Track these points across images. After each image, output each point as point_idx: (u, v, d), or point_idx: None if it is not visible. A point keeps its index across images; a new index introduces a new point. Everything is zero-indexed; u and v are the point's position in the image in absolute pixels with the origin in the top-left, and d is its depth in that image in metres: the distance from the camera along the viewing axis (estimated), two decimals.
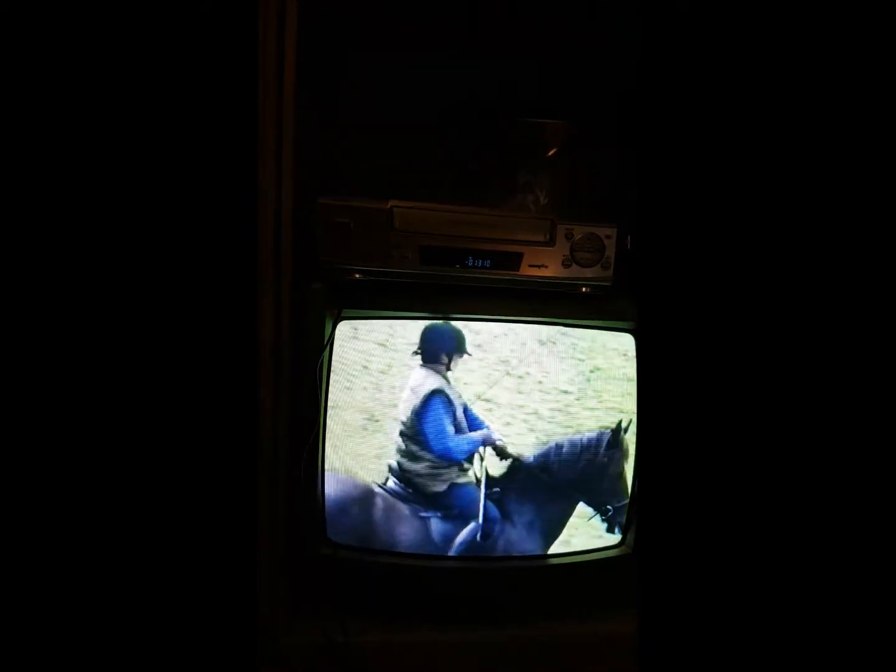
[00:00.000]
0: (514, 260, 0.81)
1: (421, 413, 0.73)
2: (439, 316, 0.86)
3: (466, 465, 0.72)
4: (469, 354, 0.74)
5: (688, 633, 0.58)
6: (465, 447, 0.72)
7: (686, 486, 0.59)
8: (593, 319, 0.87)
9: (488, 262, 0.81)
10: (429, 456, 0.71)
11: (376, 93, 0.95)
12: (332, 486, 0.74)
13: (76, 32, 0.58)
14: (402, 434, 0.71)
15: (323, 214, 0.77)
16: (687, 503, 0.59)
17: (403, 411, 0.72)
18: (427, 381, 0.71)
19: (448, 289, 0.83)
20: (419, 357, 0.75)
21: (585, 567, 0.86)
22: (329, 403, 0.80)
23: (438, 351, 0.76)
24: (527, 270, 0.81)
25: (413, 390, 0.72)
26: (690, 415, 0.59)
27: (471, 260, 0.81)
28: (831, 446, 0.54)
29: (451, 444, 0.72)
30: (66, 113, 0.59)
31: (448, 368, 0.75)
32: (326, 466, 0.77)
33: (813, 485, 0.54)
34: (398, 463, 0.72)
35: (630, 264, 0.83)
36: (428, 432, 0.72)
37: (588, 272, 0.82)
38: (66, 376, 0.61)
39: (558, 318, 0.86)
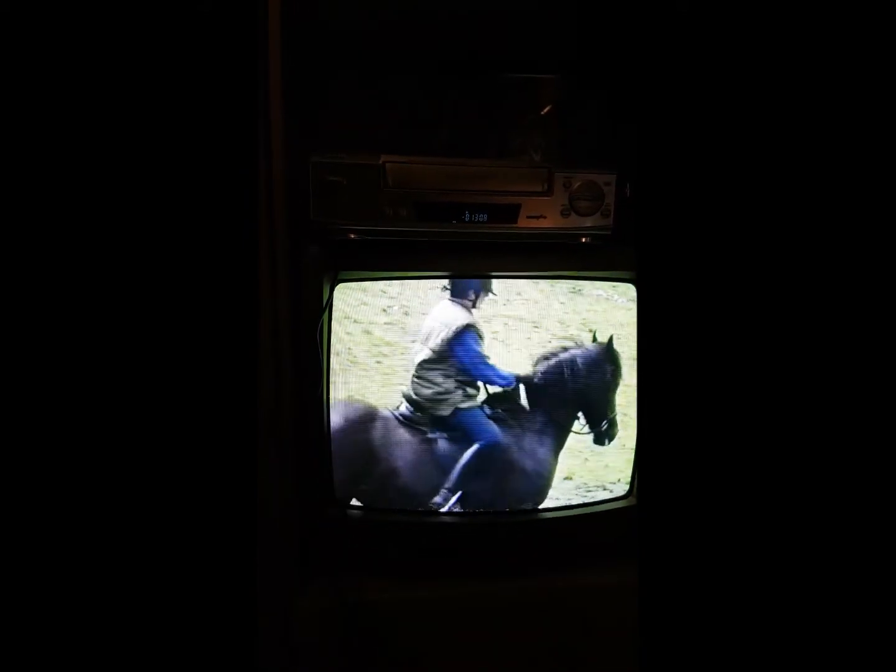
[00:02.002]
0: (512, 212, 0.79)
1: (454, 343, 0.76)
2: (438, 275, 0.85)
3: (472, 391, 0.76)
4: (494, 294, 0.77)
5: (688, 583, 0.58)
6: (505, 373, 0.77)
7: (687, 436, 0.58)
8: (595, 270, 0.86)
9: (485, 215, 0.79)
10: (445, 383, 0.75)
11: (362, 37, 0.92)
12: (338, 431, 0.78)
13: None
14: (425, 361, 0.74)
15: (315, 173, 0.75)
16: (688, 454, 0.58)
17: (431, 339, 0.74)
18: (459, 315, 0.74)
19: (446, 245, 0.81)
20: (448, 292, 0.77)
21: (596, 518, 0.86)
22: (331, 364, 0.80)
23: (467, 287, 0.77)
24: (525, 222, 0.79)
25: (445, 323, 0.74)
26: (693, 368, 0.58)
27: (467, 214, 0.79)
28: (837, 409, 0.52)
29: (492, 369, 0.76)
30: (69, 76, 0.58)
31: (474, 305, 0.77)
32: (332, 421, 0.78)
33: (821, 437, 0.53)
34: (413, 390, 0.76)
35: (631, 212, 0.82)
36: (465, 360, 0.76)
37: (588, 221, 0.80)
38: (62, 355, 0.61)
39: (559, 269, 0.85)
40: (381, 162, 0.76)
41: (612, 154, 0.88)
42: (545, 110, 1.03)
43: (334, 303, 0.80)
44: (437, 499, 0.77)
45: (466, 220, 0.79)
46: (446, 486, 0.77)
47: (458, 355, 0.76)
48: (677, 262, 0.59)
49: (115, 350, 0.62)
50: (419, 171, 0.77)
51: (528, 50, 0.98)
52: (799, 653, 0.53)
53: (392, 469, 0.76)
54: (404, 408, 0.77)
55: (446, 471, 0.76)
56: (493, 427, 0.76)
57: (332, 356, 0.80)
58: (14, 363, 0.59)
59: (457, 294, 0.77)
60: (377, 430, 0.76)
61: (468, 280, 0.76)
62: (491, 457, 0.76)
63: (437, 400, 0.77)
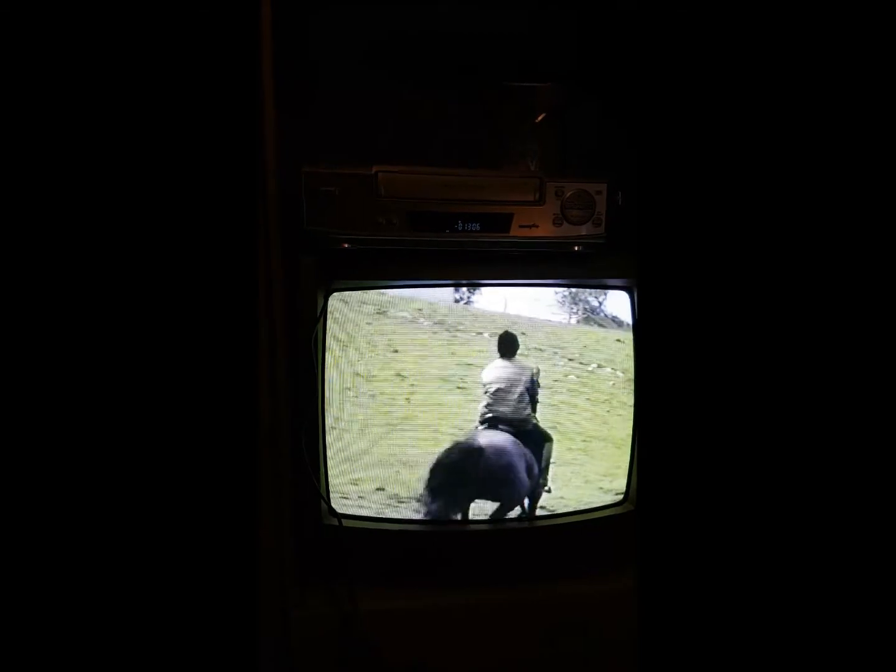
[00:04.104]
0: (504, 221, 0.79)
1: (530, 383, 0.88)
2: (431, 284, 0.85)
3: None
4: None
5: (686, 589, 0.58)
6: None
7: (686, 442, 0.58)
8: (587, 278, 0.86)
9: (477, 225, 0.79)
10: (529, 408, 0.89)
11: (354, 49, 0.93)
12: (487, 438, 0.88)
13: None
14: (523, 392, 0.88)
15: (307, 183, 0.76)
16: (686, 461, 0.58)
17: (523, 381, 0.88)
18: (522, 366, 0.88)
19: (439, 254, 0.81)
20: (498, 354, 0.87)
21: (591, 525, 0.86)
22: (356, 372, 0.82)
23: (514, 349, 0.87)
24: (517, 231, 0.80)
25: (523, 369, 0.88)
26: (691, 376, 0.58)
27: (460, 224, 0.79)
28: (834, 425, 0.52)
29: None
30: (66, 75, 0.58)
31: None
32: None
33: (820, 444, 0.53)
34: (509, 415, 0.89)
35: (624, 220, 0.82)
36: (536, 395, 0.89)
37: (580, 230, 0.81)
38: (65, 365, 0.61)
39: (551, 278, 0.86)
40: (373, 171, 0.77)
41: (607, 161, 0.88)
42: (539, 118, 1.04)
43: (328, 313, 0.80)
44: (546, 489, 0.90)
45: (459, 229, 0.79)
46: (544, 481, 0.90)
47: (533, 391, 0.89)
48: (677, 270, 0.59)
49: (116, 362, 0.62)
50: (412, 180, 0.78)
51: (523, 58, 0.98)
52: (798, 657, 0.53)
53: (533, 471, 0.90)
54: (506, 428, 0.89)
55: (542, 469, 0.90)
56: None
57: (327, 371, 0.82)
58: (13, 372, 0.59)
59: (505, 354, 0.87)
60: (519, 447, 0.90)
61: (511, 345, 0.86)
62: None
63: (525, 420, 0.89)
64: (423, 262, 0.82)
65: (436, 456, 0.85)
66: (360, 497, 0.85)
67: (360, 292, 0.83)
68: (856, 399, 0.52)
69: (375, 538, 0.84)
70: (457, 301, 0.87)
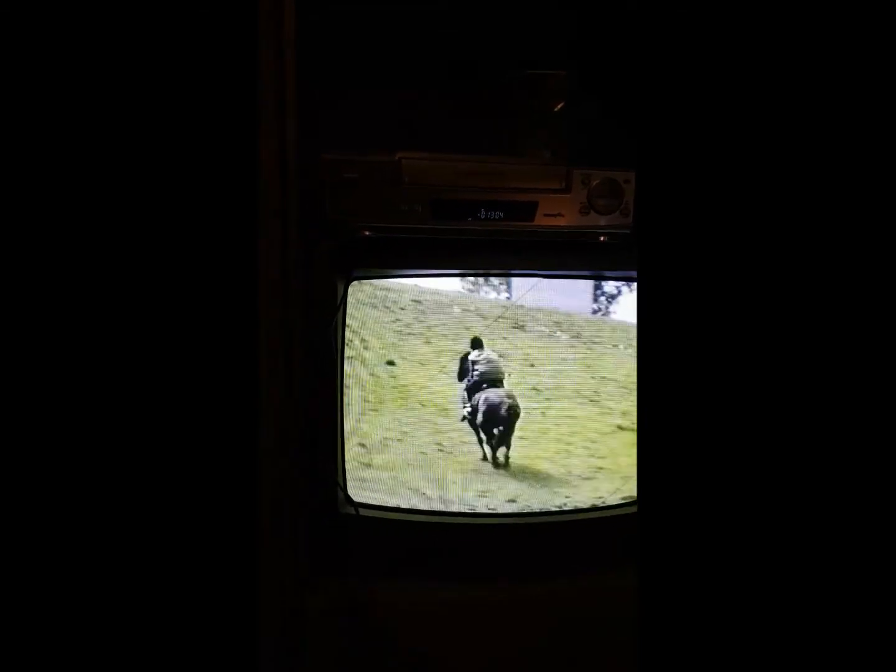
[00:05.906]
0: (529, 210, 0.78)
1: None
2: (452, 273, 0.84)
3: None
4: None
5: (687, 587, 0.57)
6: None
7: (688, 439, 0.57)
8: (612, 269, 0.85)
9: (501, 213, 0.78)
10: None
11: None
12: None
13: None
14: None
15: (329, 170, 0.74)
16: (690, 458, 0.57)
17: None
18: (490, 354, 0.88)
19: (461, 243, 0.80)
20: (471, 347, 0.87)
21: (607, 522, 0.85)
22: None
23: (479, 345, 0.85)
24: (542, 220, 0.78)
25: (488, 355, 0.88)
26: (692, 369, 0.57)
27: (483, 212, 0.78)
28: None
29: None
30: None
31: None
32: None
33: (823, 441, 0.52)
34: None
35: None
36: None
37: (606, 219, 0.79)
38: (63, 355, 0.59)
39: (575, 269, 0.84)
40: (396, 158, 0.75)
41: (628, 151, 0.87)
42: (558, 107, 1.02)
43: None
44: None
45: (482, 217, 0.78)
46: None
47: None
48: (680, 263, 0.58)
49: (116, 354, 0.61)
50: (435, 167, 0.76)
51: (523, 57, 0.97)
52: (800, 657, 0.52)
53: None
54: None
55: None
56: None
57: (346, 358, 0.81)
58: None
59: (475, 347, 0.87)
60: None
61: (479, 342, 0.87)
62: None
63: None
64: (445, 251, 0.81)
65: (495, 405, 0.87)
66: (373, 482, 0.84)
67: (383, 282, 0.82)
68: (862, 391, 0.51)
69: (390, 529, 0.83)
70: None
